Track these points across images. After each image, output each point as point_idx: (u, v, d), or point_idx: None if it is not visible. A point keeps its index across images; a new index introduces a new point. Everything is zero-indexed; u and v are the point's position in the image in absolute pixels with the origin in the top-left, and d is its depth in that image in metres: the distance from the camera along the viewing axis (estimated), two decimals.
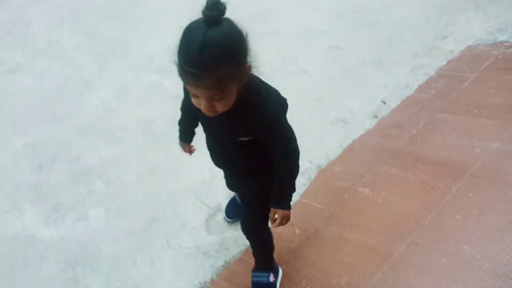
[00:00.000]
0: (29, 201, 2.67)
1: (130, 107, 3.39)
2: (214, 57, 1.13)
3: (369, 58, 3.34)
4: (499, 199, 1.95)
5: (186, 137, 1.85)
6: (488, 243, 1.78)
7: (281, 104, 1.42)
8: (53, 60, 4.12)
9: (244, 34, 1.20)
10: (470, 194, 2.02)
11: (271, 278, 1.91)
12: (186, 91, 1.47)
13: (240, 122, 1.38)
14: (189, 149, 1.90)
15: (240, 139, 1.45)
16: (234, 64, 1.18)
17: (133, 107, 3.37)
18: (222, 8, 1.14)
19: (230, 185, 2.07)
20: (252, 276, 1.94)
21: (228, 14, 1.19)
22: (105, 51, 4.17)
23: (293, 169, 1.54)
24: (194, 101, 1.27)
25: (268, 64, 3.56)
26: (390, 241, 1.93)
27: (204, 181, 2.56)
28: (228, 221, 2.29)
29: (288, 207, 1.59)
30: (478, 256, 1.74)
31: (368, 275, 1.81)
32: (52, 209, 2.59)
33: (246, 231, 1.84)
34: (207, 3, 1.13)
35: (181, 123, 1.80)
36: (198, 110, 1.30)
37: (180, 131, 1.84)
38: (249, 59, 1.23)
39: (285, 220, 1.61)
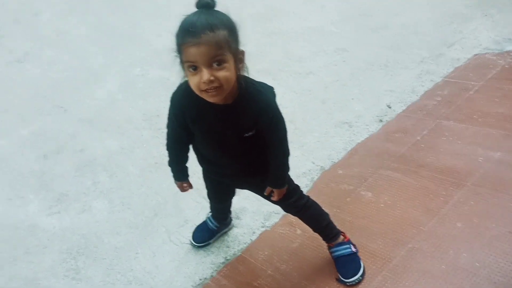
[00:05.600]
0: (33, 191, 2.69)
1: (136, 100, 3.41)
2: (211, 20, 1.24)
3: (376, 62, 3.36)
4: (500, 209, 1.97)
5: (181, 174, 1.78)
6: (487, 252, 1.80)
7: (274, 94, 1.51)
8: (60, 51, 4.15)
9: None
10: (472, 203, 2.03)
11: (353, 248, 1.87)
12: (172, 117, 1.58)
13: (244, 115, 1.44)
14: (187, 187, 1.84)
15: (246, 134, 1.50)
16: (229, 32, 1.27)
17: (139, 101, 3.39)
18: (213, 0, 1.28)
19: (221, 196, 2.04)
20: (332, 252, 1.88)
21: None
22: (113, 43, 4.19)
23: (287, 152, 1.61)
24: (194, 80, 1.30)
25: (274, 63, 3.58)
26: (391, 245, 1.95)
27: None
28: (195, 246, 2.20)
29: (284, 186, 1.68)
30: (477, 264, 1.76)
31: (368, 279, 1.83)
32: (56, 199, 2.61)
33: (292, 211, 1.86)
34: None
35: (172, 160, 1.76)
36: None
37: (174, 170, 1.78)
38: (241, 43, 1.33)
39: (281, 195, 1.70)
